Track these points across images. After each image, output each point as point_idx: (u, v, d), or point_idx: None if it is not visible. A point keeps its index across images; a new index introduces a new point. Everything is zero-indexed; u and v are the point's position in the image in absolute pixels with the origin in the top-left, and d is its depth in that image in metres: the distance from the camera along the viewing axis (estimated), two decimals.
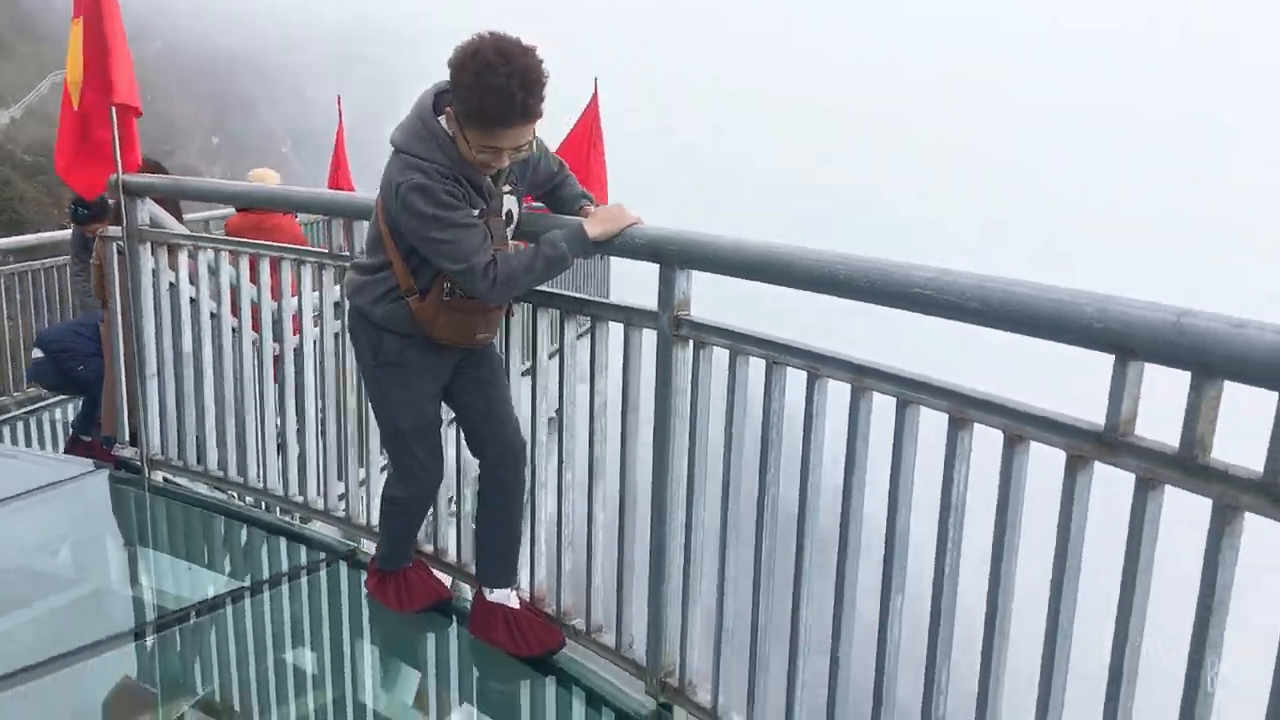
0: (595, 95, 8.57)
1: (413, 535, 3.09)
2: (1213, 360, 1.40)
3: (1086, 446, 1.58)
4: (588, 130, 8.54)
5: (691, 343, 2.40)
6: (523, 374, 2.96)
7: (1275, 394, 1.34)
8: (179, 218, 4.45)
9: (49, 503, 4.14)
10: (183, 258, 3.81)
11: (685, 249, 2.34)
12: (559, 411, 2.83)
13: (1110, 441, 1.54)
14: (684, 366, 2.42)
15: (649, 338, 2.53)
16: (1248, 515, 1.42)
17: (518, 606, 2.90)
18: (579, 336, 2.78)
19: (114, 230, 3.98)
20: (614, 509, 2.72)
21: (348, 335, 3.39)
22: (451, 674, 3.04)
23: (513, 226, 2.69)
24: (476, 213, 2.50)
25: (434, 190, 2.45)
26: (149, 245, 3.84)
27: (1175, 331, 1.42)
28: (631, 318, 2.56)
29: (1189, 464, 1.45)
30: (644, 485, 2.58)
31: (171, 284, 3.82)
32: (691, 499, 2.45)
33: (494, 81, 2.33)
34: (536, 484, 2.89)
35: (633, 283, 2.56)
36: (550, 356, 2.85)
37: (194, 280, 3.77)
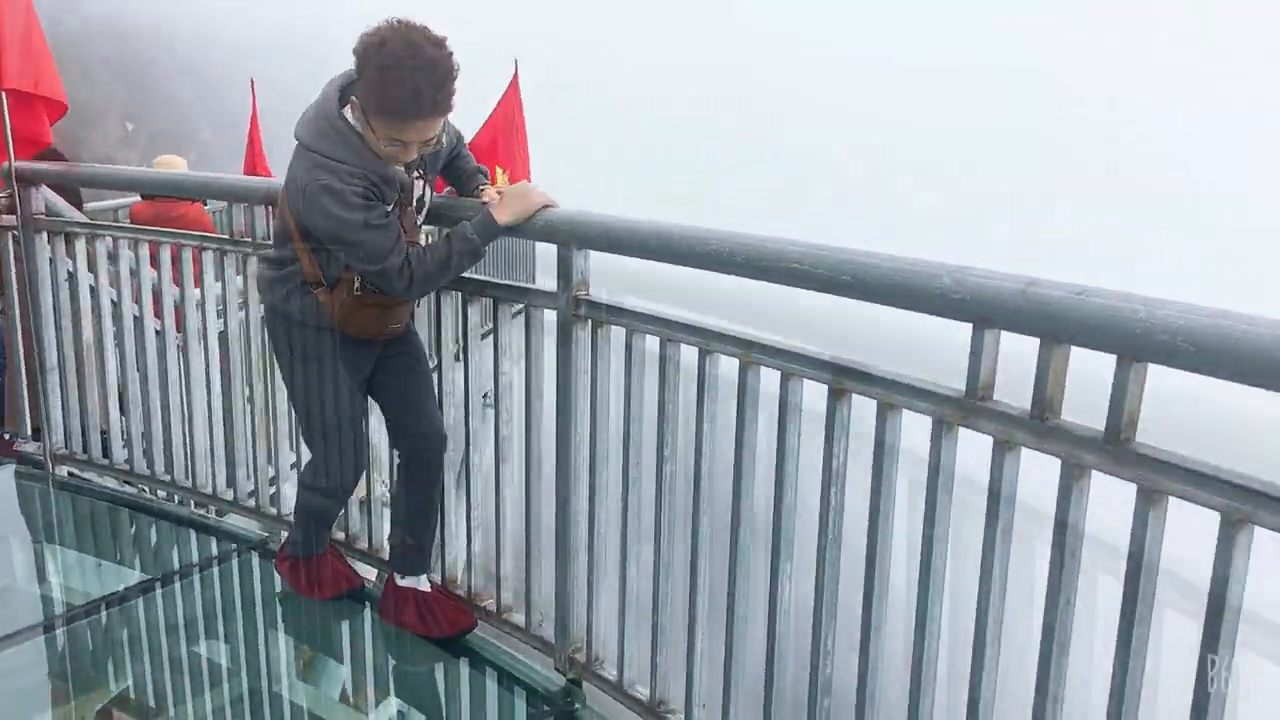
0: (515, 76, 8.51)
1: (328, 524, 3.08)
2: (1057, 326, 1.47)
3: (949, 411, 1.65)
4: (510, 111, 8.48)
5: (590, 322, 2.43)
6: (432, 369, 2.96)
7: (1114, 356, 1.42)
8: (79, 206, 4.34)
9: None
10: (81, 245, 3.73)
11: (579, 229, 2.37)
12: (465, 396, 2.85)
13: (970, 407, 1.61)
14: (584, 346, 2.45)
15: (551, 319, 2.55)
16: (1095, 474, 1.50)
17: (429, 590, 2.91)
18: (483, 336, 2.79)
19: (7, 219, 3.87)
20: (521, 490, 2.74)
21: (253, 324, 3.36)
22: (366, 659, 3.05)
23: (423, 213, 2.67)
24: (390, 207, 2.45)
25: (343, 192, 2.39)
26: (45, 234, 3.75)
27: (1023, 299, 1.50)
28: (532, 299, 2.58)
29: (1039, 426, 1.53)
30: (548, 465, 2.61)
31: (70, 273, 3.73)
32: (594, 477, 2.48)
33: (400, 75, 2.28)
34: (446, 467, 2.90)
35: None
36: (456, 358, 2.86)
37: (93, 269, 3.69)
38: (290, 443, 3.41)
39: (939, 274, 1.60)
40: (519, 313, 2.66)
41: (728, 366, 2.13)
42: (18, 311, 3.99)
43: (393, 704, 2.81)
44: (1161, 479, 1.39)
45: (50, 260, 3.77)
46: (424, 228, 2.71)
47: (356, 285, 2.58)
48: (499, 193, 2.60)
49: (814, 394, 1.97)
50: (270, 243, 3.18)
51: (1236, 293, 1.37)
